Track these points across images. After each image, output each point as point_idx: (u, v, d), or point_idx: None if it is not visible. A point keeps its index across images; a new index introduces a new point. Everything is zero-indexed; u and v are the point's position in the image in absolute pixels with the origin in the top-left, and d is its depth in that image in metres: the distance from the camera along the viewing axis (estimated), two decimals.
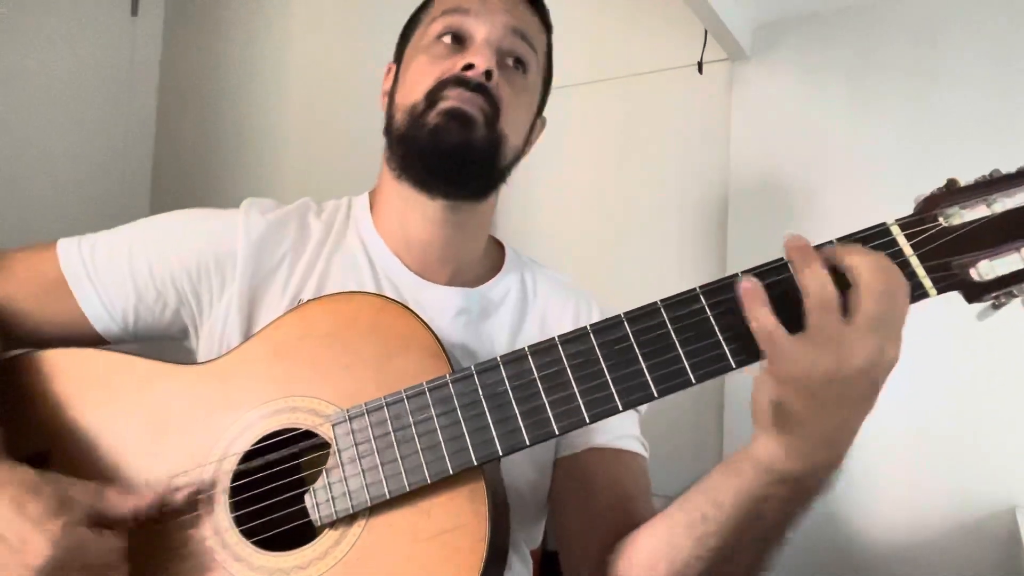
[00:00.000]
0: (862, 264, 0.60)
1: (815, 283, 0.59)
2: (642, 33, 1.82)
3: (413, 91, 0.87)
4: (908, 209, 0.66)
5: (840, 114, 1.54)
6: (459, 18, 0.87)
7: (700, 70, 1.70)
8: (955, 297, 0.64)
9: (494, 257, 0.99)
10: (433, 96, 0.85)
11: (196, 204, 0.94)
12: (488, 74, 0.84)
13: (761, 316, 0.60)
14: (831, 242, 0.64)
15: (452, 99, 0.84)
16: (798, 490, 0.67)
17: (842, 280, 0.60)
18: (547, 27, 0.96)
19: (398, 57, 0.95)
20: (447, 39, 0.87)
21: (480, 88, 0.84)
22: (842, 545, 1.43)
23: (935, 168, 1.40)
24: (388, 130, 0.92)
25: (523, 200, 1.84)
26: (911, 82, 1.48)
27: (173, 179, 2.27)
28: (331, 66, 2.17)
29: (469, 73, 0.84)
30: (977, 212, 0.63)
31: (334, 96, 2.15)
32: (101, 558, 0.66)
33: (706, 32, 1.62)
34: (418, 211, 0.90)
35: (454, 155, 0.85)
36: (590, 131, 1.84)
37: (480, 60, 0.84)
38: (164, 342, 0.91)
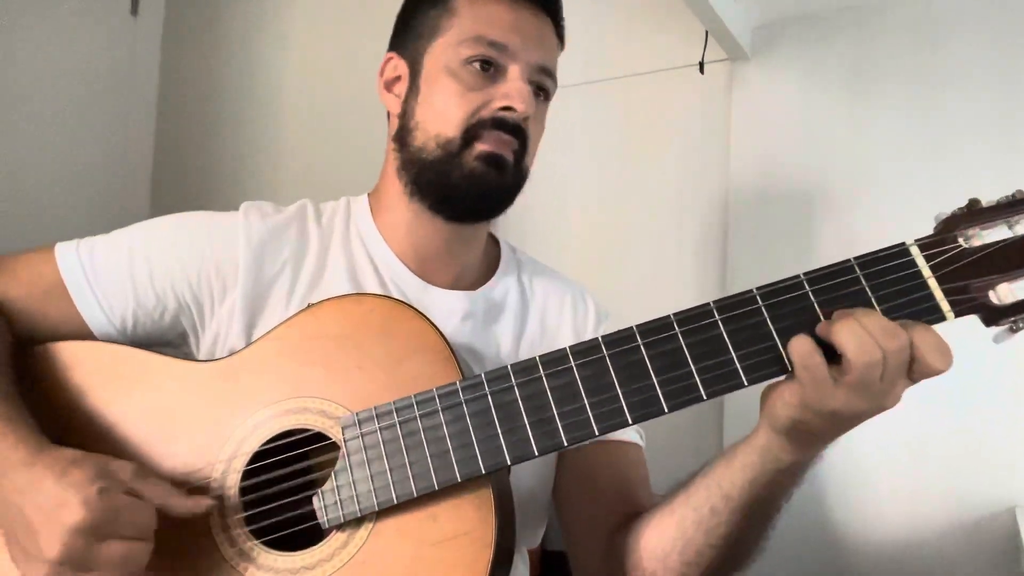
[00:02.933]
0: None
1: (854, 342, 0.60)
2: (642, 33, 1.82)
3: (445, 121, 0.85)
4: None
5: (840, 114, 1.55)
6: (495, 52, 0.84)
7: (701, 70, 1.70)
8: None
9: (490, 254, 0.99)
10: (470, 134, 0.84)
11: (196, 204, 0.93)
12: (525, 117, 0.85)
13: (812, 355, 0.62)
14: (848, 261, 0.64)
15: (491, 143, 0.84)
16: (802, 471, 0.72)
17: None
18: (562, 44, 0.93)
19: (406, 53, 0.91)
20: (477, 65, 0.85)
21: (516, 130, 0.85)
22: (842, 546, 1.43)
23: (935, 167, 1.42)
24: (403, 144, 0.90)
25: (523, 200, 1.81)
26: (911, 82, 1.49)
27: (173, 179, 2.26)
28: (330, 66, 2.16)
29: (509, 115, 0.84)
30: (998, 233, 0.61)
31: (333, 96, 2.14)
32: (133, 527, 0.67)
33: (707, 32, 1.62)
34: (428, 226, 0.90)
35: (486, 198, 0.87)
36: (590, 131, 1.84)
37: (521, 105, 0.83)
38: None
